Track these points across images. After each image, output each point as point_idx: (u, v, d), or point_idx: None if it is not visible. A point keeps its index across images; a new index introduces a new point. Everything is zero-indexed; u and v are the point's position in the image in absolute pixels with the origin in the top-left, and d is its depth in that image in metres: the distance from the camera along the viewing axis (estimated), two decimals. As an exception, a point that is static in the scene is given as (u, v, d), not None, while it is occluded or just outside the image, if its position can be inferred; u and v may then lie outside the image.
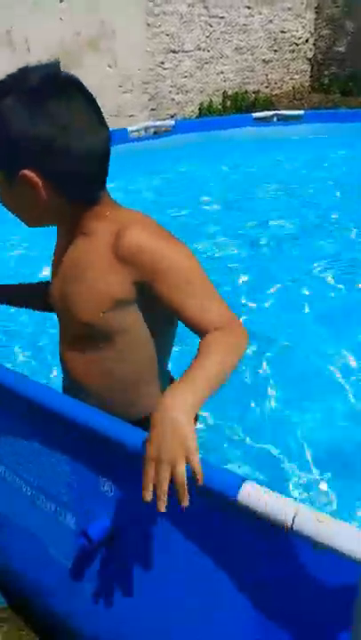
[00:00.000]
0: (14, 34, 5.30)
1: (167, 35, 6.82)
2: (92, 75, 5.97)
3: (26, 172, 1.08)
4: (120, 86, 6.37)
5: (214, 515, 1.10)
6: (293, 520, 0.96)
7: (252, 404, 2.25)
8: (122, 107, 6.43)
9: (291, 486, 1.87)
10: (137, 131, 4.98)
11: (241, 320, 1.14)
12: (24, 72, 1.12)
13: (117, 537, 1.26)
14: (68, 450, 1.34)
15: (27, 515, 1.49)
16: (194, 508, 0.99)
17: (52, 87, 1.08)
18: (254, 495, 1.01)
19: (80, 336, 1.25)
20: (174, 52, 6.94)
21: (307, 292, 3.09)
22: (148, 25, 6.56)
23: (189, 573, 1.16)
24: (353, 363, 2.47)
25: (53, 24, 5.61)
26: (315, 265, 3.37)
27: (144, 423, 1.05)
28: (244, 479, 1.04)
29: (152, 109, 6.82)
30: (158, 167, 4.92)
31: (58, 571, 1.41)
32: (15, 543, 1.58)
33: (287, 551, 1.02)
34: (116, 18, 6.11)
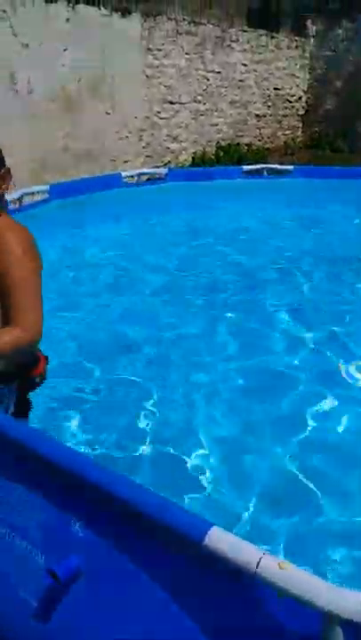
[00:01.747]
0: (18, 76, 5.48)
1: (165, 86, 7.08)
2: (91, 119, 6.17)
3: None
4: (117, 132, 6.56)
5: (180, 557, 1.11)
6: (257, 565, 0.98)
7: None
8: (118, 152, 6.61)
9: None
10: (131, 176, 5.11)
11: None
12: None
13: (84, 577, 1.24)
14: (41, 488, 1.34)
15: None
16: (161, 550, 1.00)
17: None
18: (221, 540, 1.03)
19: None
20: (171, 102, 7.19)
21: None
22: (147, 76, 6.82)
23: (154, 614, 1.15)
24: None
25: (56, 69, 5.82)
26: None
27: None
28: (212, 524, 1.06)
29: (147, 156, 7.01)
30: (149, 212, 5.04)
31: (26, 612, 1.35)
32: None
33: (251, 596, 1.03)
34: (117, 67, 6.35)
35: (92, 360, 2.82)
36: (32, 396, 1.79)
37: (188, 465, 2.14)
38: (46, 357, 1.79)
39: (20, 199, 3.99)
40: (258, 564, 0.98)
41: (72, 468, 1.24)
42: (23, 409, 1.76)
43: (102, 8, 6.19)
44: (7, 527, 1.43)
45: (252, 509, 1.93)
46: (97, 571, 1.25)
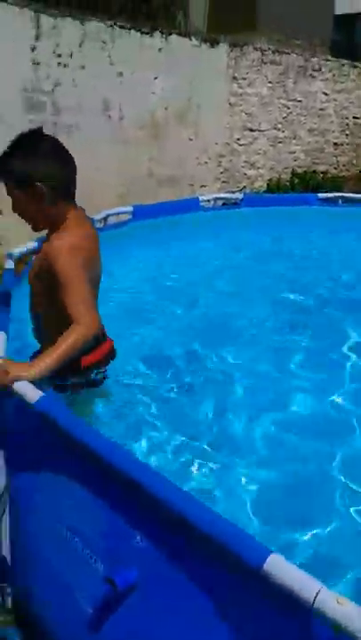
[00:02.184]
0: (111, 103, 5.81)
1: (246, 114, 7.25)
2: (175, 145, 6.43)
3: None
4: (197, 157, 6.79)
5: (236, 579, 1.15)
6: (315, 599, 0.98)
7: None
8: (196, 176, 6.83)
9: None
10: (207, 200, 5.28)
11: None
12: (25, 135, 1.91)
13: (140, 588, 1.32)
14: (107, 496, 1.43)
15: (59, 554, 1.56)
16: (218, 570, 1.07)
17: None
18: (279, 568, 1.04)
19: None
20: (251, 130, 7.35)
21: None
22: (230, 104, 7.01)
23: (204, 634, 1.20)
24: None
25: (146, 97, 6.11)
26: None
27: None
28: (271, 551, 1.08)
29: (223, 181, 7.20)
30: (224, 235, 5.19)
31: (79, 617, 1.44)
32: (41, 581, 1.65)
33: (305, 629, 1.04)
34: (203, 95, 6.59)
35: (163, 372, 2.92)
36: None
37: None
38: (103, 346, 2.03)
39: (105, 219, 4.23)
40: (315, 597, 0.98)
41: (140, 480, 1.30)
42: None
43: (193, 39, 6.45)
44: (70, 530, 1.52)
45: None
46: (152, 584, 1.32)
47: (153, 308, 3.82)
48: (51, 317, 1.86)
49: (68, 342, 1.65)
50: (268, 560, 1.06)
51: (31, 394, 1.56)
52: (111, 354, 2.14)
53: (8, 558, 1.88)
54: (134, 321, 3.49)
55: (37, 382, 1.62)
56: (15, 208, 1.91)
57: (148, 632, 1.30)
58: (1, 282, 2.67)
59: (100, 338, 1.95)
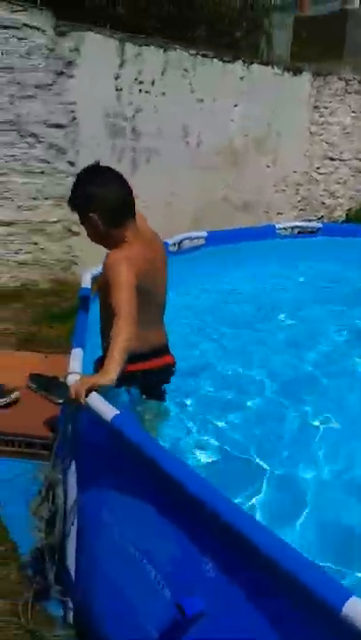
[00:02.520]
0: (190, 130, 5.92)
1: (327, 143, 7.19)
2: (252, 173, 6.46)
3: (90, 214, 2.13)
4: (275, 185, 6.78)
5: (314, 618, 1.12)
6: None
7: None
8: (273, 204, 6.81)
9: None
10: (285, 228, 5.26)
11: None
12: (85, 170, 2.21)
13: (209, 616, 1.30)
14: (179, 520, 1.43)
15: (124, 573, 1.57)
16: (293, 607, 1.04)
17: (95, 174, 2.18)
18: (359, 611, 1.01)
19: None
20: (332, 159, 7.27)
21: None
22: (311, 133, 6.98)
23: None
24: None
25: (226, 124, 6.19)
26: None
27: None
28: (351, 593, 1.05)
29: (301, 210, 7.14)
30: (300, 263, 5.13)
31: (142, 637, 1.45)
32: (104, 599, 1.65)
33: None
34: (283, 123, 6.59)
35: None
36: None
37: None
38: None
39: (179, 243, 4.29)
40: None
41: (217, 511, 1.29)
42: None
43: (275, 67, 6.50)
44: (140, 552, 1.53)
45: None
46: (221, 614, 1.30)
47: (212, 332, 3.82)
48: (108, 323, 2.04)
49: (116, 349, 1.86)
50: (347, 603, 1.03)
51: (107, 411, 1.58)
52: (167, 368, 2.32)
53: (72, 573, 1.90)
54: (197, 343, 3.49)
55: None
56: (88, 234, 2.24)
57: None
58: (75, 299, 2.77)
59: (157, 351, 2.23)
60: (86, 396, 1.71)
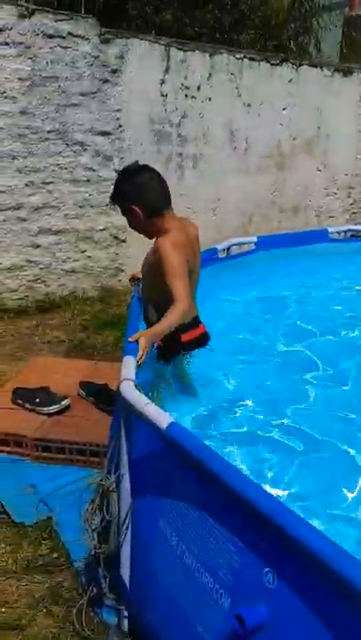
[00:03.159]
0: (238, 134, 5.88)
1: (379, 144, 7.02)
2: (301, 176, 6.37)
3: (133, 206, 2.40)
4: (325, 188, 6.66)
5: None
6: None
7: None
8: (323, 207, 6.70)
9: None
10: (337, 232, 5.14)
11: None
12: (126, 169, 2.51)
13: (269, 629, 1.26)
14: (238, 530, 1.39)
15: (181, 583, 1.54)
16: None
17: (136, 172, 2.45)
18: None
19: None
20: (385, 161, 7.10)
21: None
22: (362, 134, 6.83)
23: None
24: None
25: (273, 129, 6.12)
26: None
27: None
28: None
29: (353, 213, 6.98)
30: (354, 268, 5.00)
31: None
32: (160, 608, 1.64)
33: None
34: (332, 126, 6.48)
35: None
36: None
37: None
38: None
39: (228, 249, 4.24)
40: None
41: (278, 521, 1.25)
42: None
43: (324, 69, 6.40)
44: (198, 562, 1.51)
45: None
46: (282, 627, 1.25)
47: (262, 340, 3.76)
48: (157, 299, 2.37)
49: (174, 314, 2.15)
50: None
51: (162, 419, 1.55)
52: (204, 337, 2.64)
53: (127, 581, 1.88)
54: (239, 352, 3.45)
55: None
56: (130, 225, 2.50)
57: None
58: (122, 307, 2.85)
59: (193, 322, 2.53)
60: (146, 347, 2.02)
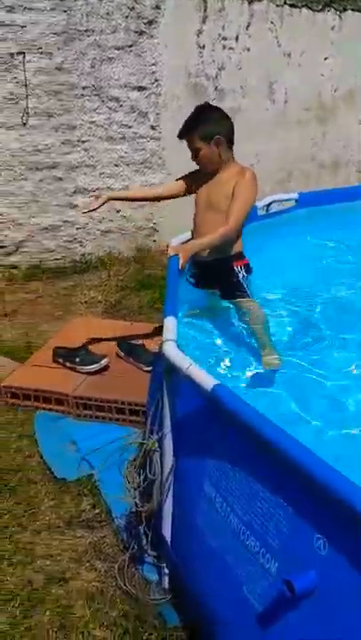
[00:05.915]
0: (276, 86, 5.65)
1: None
2: (341, 129, 6.11)
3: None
4: (367, 142, 6.40)
5: None
6: None
7: None
8: (365, 162, 6.45)
9: None
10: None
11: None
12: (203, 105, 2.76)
13: (318, 596, 1.25)
14: (287, 495, 1.36)
15: (225, 544, 1.53)
16: None
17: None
18: None
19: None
20: None
21: None
22: None
23: None
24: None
25: (314, 80, 5.86)
26: None
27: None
28: None
29: (396, 168, 6.72)
30: None
31: (245, 610, 1.41)
32: (207, 569, 1.63)
33: None
34: (377, 76, 6.18)
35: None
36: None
37: None
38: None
39: (268, 206, 4.12)
40: None
41: (325, 481, 1.22)
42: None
43: (370, 14, 6.06)
44: (244, 525, 1.48)
45: None
46: (331, 593, 1.23)
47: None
48: (216, 219, 2.58)
49: (219, 232, 2.48)
50: None
51: (207, 380, 1.52)
52: (249, 267, 2.85)
53: (168, 540, 1.90)
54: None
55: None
56: (195, 156, 2.68)
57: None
58: (157, 267, 2.92)
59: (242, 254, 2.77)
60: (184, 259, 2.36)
